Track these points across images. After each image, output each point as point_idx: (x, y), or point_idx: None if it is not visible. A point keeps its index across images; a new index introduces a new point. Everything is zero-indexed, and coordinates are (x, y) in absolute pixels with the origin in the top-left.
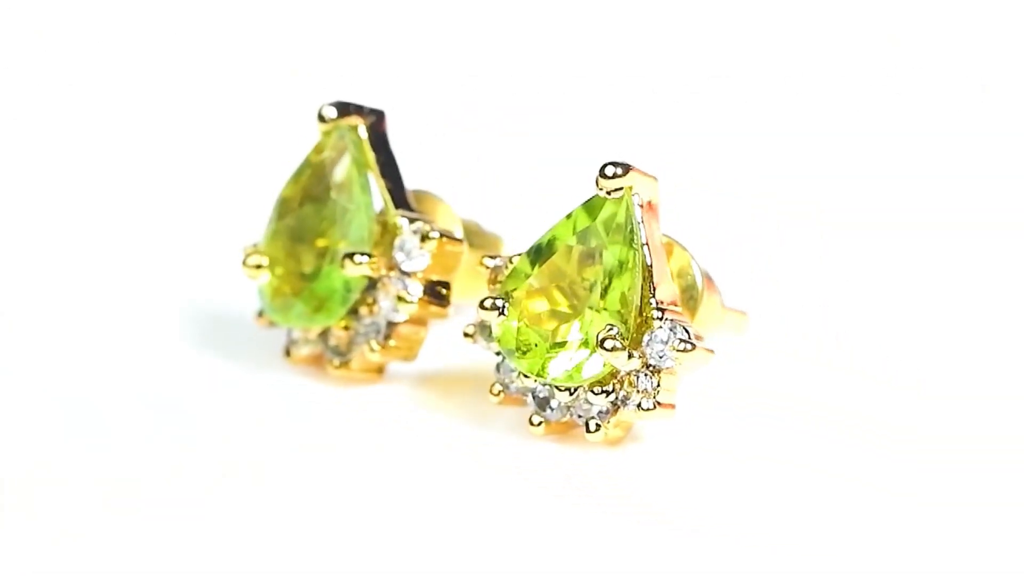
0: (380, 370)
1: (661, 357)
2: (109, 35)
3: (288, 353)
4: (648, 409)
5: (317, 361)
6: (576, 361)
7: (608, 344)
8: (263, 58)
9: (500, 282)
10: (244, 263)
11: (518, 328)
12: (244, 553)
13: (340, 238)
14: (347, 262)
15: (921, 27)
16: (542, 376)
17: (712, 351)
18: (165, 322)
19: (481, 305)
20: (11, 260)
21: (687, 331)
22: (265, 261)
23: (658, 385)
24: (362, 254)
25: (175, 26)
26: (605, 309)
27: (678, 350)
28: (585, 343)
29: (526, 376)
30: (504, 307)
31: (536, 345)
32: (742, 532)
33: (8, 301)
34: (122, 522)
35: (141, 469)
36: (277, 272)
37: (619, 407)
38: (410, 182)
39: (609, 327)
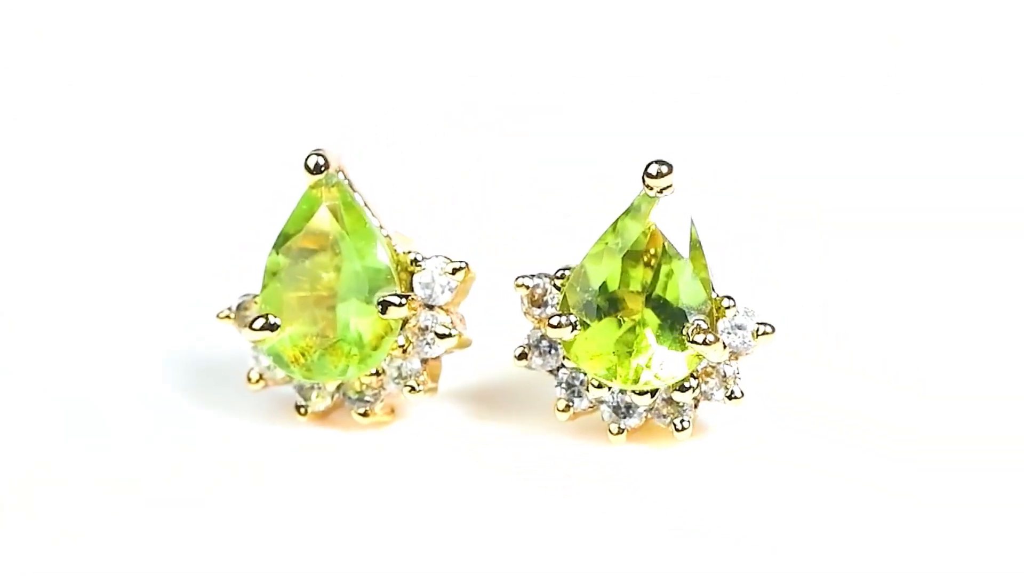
0: (393, 411)
1: (743, 343)
2: (108, 37)
3: (301, 410)
4: (738, 397)
5: (325, 416)
6: (655, 363)
7: (699, 338)
8: (263, 61)
9: (537, 301)
10: (251, 327)
11: (588, 339)
12: (244, 553)
13: (357, 285)
14: (390, 308)
15: (921, 27)
16: (625, 383)
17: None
18: (164, 322)
19: (549, 324)
20: (11, 260)
21: (757, 314)
22: (278, 320)
23: (737, 371)
24: (399, 296)
25: (172, 30)
26: (679, 309)
27: (758, 334)
28: (666, 343)
29: (597, 387)
30: (576, 323)
31: (614, 353)
32: (742, 532)
33: (8, 301)
34: (122, 522)
35: (141, 469)
36: (288, 330)
37: (699, 401)
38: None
39: (696, 322)
